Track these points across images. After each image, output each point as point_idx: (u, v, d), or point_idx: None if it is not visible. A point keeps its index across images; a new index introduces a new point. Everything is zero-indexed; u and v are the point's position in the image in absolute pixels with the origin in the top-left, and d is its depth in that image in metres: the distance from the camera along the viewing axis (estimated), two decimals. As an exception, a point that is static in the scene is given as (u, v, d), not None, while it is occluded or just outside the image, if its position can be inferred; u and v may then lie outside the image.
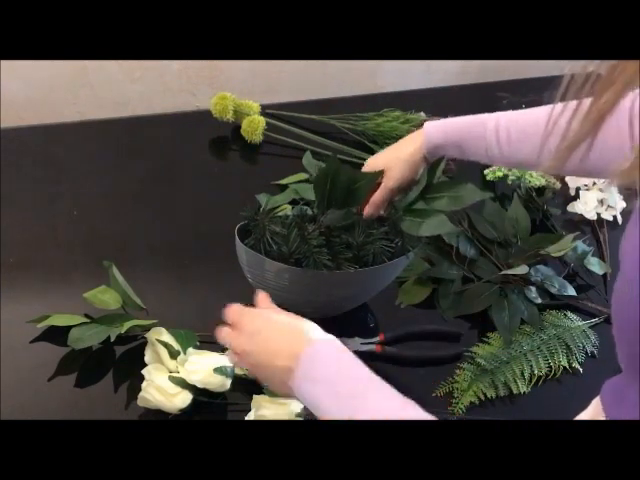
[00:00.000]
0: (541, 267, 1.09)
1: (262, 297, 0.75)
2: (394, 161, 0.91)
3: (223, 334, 0.70)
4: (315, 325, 0.68)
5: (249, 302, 1.01)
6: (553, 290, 1.07)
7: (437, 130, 0.88)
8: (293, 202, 1.10)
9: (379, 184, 0.91)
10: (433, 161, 0.91)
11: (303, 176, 1.20)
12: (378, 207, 0.92)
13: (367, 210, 0.92)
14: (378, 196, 0.91)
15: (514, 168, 1.17)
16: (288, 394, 0.66)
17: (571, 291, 1.07)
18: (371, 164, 0.95)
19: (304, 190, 1.14)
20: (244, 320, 0.69)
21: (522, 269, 1.04)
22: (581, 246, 1.13)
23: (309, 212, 0.93)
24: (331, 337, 0.67)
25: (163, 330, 0.88)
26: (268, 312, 0.71)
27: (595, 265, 1.12)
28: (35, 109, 1.35)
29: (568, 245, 1.09)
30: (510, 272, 1.04)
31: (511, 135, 0.83)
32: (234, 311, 0.71)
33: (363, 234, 0.88)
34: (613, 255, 1.17)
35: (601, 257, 1.16)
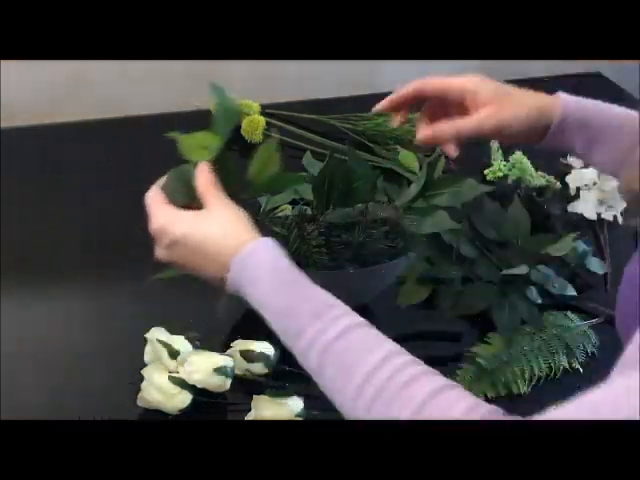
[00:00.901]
0: (541, 267, 1.09)
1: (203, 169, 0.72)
2: (520, 106, 0.73)
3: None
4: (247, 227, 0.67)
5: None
6: (553, 290, 1.06)
7: (575, 101, 0.75)
8: (293, 202, 1.10)
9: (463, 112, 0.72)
10: (431, 159, 0.91)
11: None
12: (457, 136, 0.73)
13: (443, 130, 0.74)
14: (469, 125, 0.72)
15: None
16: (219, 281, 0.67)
17: (571, 291, 1.07)
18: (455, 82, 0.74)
19: (304, 190, 1.14)
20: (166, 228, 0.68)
21: (522, 269, 1.04)
22: (581, 246, 1.13)
23: (309, 212, 0.93)
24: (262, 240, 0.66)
25: (163, 330, 0.88)
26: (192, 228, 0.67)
27: (595, 265, 1.12)
28: (35, 109, 1.34)
29: (568, 245, 1.09)
30: (510, 272, 1.04)
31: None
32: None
33: (363, 234, 0.88)
34: (613, 255, 1.17)
35: (601, 257, 1.16)
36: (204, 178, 0.72)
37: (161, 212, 0.70)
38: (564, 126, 0.74)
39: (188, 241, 0.67)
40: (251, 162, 0.76)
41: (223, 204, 0.69)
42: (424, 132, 0.77)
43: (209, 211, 0.69)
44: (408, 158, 1.25)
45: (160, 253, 0.70)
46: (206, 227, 0.67)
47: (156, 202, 0.72)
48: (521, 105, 0.73)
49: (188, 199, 0.72)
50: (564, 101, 0.75)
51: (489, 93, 0.72)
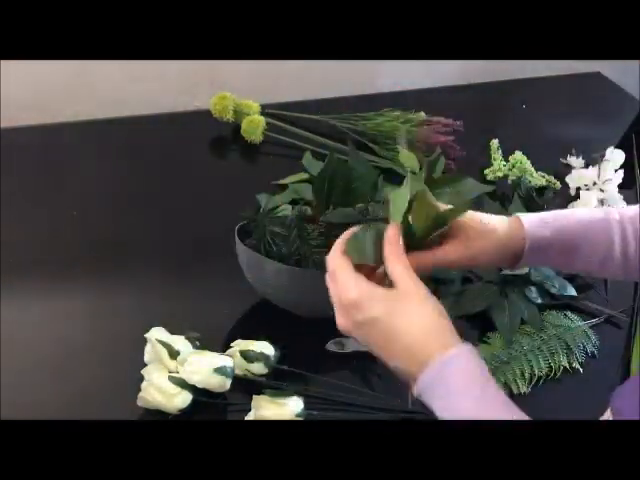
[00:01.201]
0: (541, 267, 1.09)
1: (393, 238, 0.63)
2: (479, 232, 0.71)
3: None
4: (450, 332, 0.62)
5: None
6: (553, 290, 1.06)
7: (541, 226, 0.72)
8: (293, 202, 1.10)
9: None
10: (430, 158, 0.90)
11: (303, 176, 1.20)
12: (418, 270, 0.67)
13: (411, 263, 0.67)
14: (430, 260, 0.69)
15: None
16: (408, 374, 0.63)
17: (571, 291, 1.07)
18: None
19: (304, 190, 1.14)
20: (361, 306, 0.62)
21: (522, 269, 1.04)
22: (581, 246, 1.13)
23: (309, 212, 0.93)
24: (466, 348, 0.61)
25: (163, 330, 0.88)
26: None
27: None
28: (35, 109, 1.34)
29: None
30: (510, 272, 1.04)
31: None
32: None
33: (363, 234, 0.88)
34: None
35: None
36: (395, 247, 0.65)
37: (352, 283, 0.64)
38: (534, 251, 0.72)
39: (384, 326, 0.63)
40: (411, 216, 0.70)
41: (418, 288, 0.63)
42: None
43: (407, 295, 0.63)
44: (408, 158, 1.25)
45: (346, 325, 0.65)
46: (407, 317, 0.62)
47: (345, 269, 0.65)
48: (489, 240, 0.71)
49: (374, 262, 0.66)
50: (528, 228, 0.72)
51: (459, 225, 0.71)
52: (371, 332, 0.64)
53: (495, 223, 0.72)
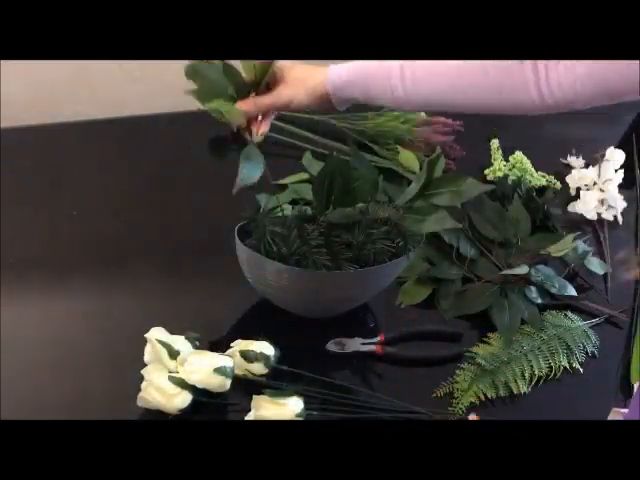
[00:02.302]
0: (541, 267, 1.09)
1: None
2: (301, 82, 0.85)
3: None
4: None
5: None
6: (553, 290, 1.07)
7: (342, 71, 0.84)
8: (293, 202, 1.10)
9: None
10: (430, 158, 0.90)
11: (303, 176, 1.20)
12: (259, 109, 0.85)
13: (247, 104, 0.84)
14: (266, 100, 0.85)
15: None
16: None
17: (571, 291, 1.07)
18: (280, 69, 0.87)
19: (304, 190, 1.14)
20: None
21: (522, 269, 1.04)
22: (581, 246, 1.13)
23: (309, 212, 0.93)
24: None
25: (163, 330, 0.88)
26: None
27: (595, 265, 1.12)
28: (35, 109, 1.34)
29: (568, 245, 1.09)
30: (510, 272, 1.04)
31: (416, 73, 0.80)
32: None
33: (363, 233, 0.88)
34: (613, 255, 1.17)
35: (601, 257, 1.16)
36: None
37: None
38: (341, 89, 0.85)
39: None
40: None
41: None
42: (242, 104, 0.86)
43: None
44: (408, 158, 1.25)
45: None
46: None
47: None
48: (302, 86, 0.85)
49: None
50: (330, 67, 0.86)
51: (282, 76, 0.85)
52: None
53: (309, 74, 0.86)
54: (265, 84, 0.85)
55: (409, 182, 0.94)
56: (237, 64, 0.84)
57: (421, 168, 0.89)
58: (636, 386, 0.96)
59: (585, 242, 1.15)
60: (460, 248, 1.10)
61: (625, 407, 0.88)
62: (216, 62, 0.81)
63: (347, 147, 1.28)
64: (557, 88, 0.73)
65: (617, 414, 0.86)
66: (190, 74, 0.81)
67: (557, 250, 1.08)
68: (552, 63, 0.72)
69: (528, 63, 0.74)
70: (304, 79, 0.85)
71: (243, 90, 0.84)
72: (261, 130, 0.87)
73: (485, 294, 1.04)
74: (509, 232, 1.13)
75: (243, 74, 0.84)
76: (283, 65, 0.85)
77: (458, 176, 0.90)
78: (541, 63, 0.73)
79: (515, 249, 1.11)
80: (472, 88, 0.78)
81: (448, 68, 0.79)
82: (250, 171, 0.84)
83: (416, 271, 1.07)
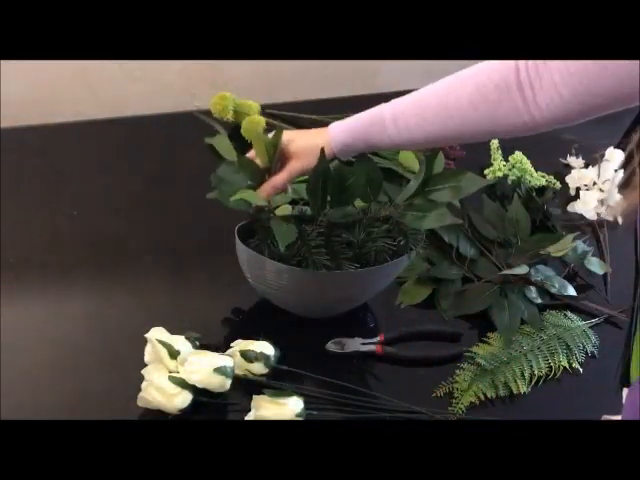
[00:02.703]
0: (541, 267, 1.09)
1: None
2: (306, 150, 0.90)
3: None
4: None
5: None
6: (553, 290, 1.07)
7: (342, 130, 0.90)
8: (293, 202, 1.10)
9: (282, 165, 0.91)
10: (429, 155, 0.91)
11: (303, 176, 1.20)
12: (277, 189, 0.90)
13: (265, 190, 0.90)
14: (280, 179, 0.90)
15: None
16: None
17: (571, 291, 1.07)
18: (285, 144, 0.92)
19: (304, 190, 1.14)
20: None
21: (522, 269, 1.04)
22: (581, 246, 1.13)
23: (309, 212, 0.93)
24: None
25: (163, 330, 0.88)
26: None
27: (595, 265, 1.12)
28: (35, 109, 1.34)
29: (568, 245, 1.09)
30: (510, 272, 1.04)
31: (409, 123, 0.84)
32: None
33: (364, 232, 0.88)
34: (613, 255, 1.17)
35: (601, 257, 1.16)
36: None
37: None
38: (345, 148, 0.90)
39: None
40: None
41: None
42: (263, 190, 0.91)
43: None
44: (408, 158, 1.25)
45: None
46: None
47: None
48: (313, 155, 0.88)
49: None
50: (331, 132, 0.91)
51: (291, 150, 0.90)
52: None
53: (311, 142, 0.91)
54: (277, 162, 0.90)
55: (409, 182, 0.94)
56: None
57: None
58: (625, 391, 0.96)
59: (585, 242, 1.15)
60: (460, 248, 1.10)
61: (617, 413, 0.88)
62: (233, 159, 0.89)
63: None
64: (546, 109, 0.74)
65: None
66: (216, 183, 0.88)
67: (557, 250, 1.08)
68: (537, 84, 0.73)
69: (515, 88, 0.75)
70: (309, 148, 0.89)
71: (259, 177, 0.90)
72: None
73: (485, 294, 1.04)
74: (509, 232, 1.13)
75: (258, 161, 0.90)
76: (284, 141, 0.90)
77: (457, 172, 0.90)
78: (527, 86, 0.74)
79: (515, 249, 1.11)
80: (464, 124, 0.81)
81: (437, 109, 0.82)
82: (237, 185, 0.88)
83: (416, 271, 1.07)
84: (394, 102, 0.88)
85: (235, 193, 0.86)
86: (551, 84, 0.72)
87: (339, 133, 0.90)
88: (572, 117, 0.75)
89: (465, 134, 0.82)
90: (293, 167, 0.90)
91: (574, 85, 0.71)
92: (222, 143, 0.88)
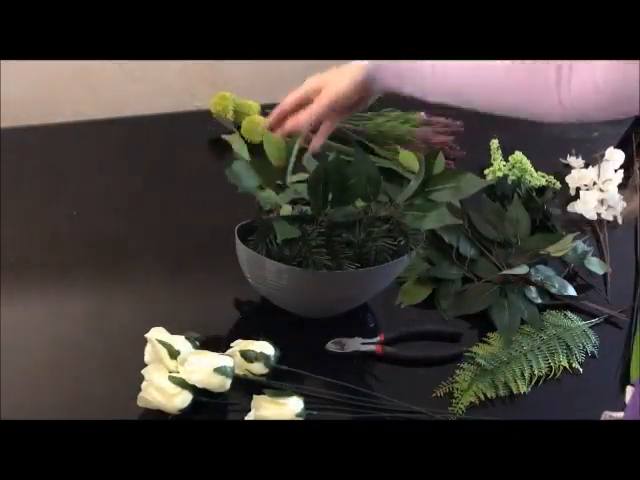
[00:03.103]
0: (541, 267, 1.09)
1: None
2: (334, 76, 0.87)
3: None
4: None
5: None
6: (553, 290, 1.07)
7: (375, 63, 0.87)
8: (292, 202, 1.10)
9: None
10: (428, 153, 0.91)
11: (303, 176, 1.20)
12: (306, 123, 0.87)
13: (300, 119, 0.87)
14: (313, 110, 0.86)
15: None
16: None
17: (571, 291, 1.07)
18: (308, 82, 0.90)
19: (303, 190, 1.14)
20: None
21: (522, 269, 1.04)
22: (581, 246, 1.13)
23: (310, 212, 0.93)
24: None
25: (163, 330, 0.88)
26: None
27: (595, 265, 1.12)
28: (35, 109, 1.34)
29: (568, 245, 1.09)
30: (510, 272, 1.04)
31: (446, 64, 0.82)
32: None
33: (364, 232, 0.88)
34: (613, 255, 1.17)
35: (601, 257, 1.16)
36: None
37: None
38: (376, 74, 0.86)
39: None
40: None
41: None
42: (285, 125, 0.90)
43: None
44: (408, 158, 1.25)
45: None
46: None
47: None
48: (337, 76, 0.87)
49: None
50: (365, 63, 0.87)
51: (327, 79, 0.88)
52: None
53: (344, 67, 0.88)
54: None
55: (409, 182, 0.94)
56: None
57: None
58: (629, 389, 0.96)
59: (585, 242, 1.15)
60: (460, 248, 1.10)
61: (620, 410, 0.88)
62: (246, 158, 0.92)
63: (346, 147, 1.28)
64: (578, 94, 0.72)
65: (609, 417, 0.86)
66: (231, 177, 0.88)
67: (557, 250, 1.08)
68: (576, 66, 0.72)
69: (552, 63, 0.73)
70: (341, 71, 0.87)
71: (272, 177, 0.92)
72: (318, 142, 0.91)
73: (485, 294, 1.04)
74: (509, 232, 1.13)
75: (271, 160, 0.91)
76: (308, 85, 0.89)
77: (458, 172, 0.90)
78: (566, 64, 0.72)
79: (515, 249, 1.11)
80: (496, 84, 0.79)
81: (476, 64, 0.80)
82: (247, 182, 0.88)
83: (416, 271, 1.07)
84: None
85: (248, 188, 0.87)
86: (591, 69, 0.70)
87: (371, 63, 0.86)
88: (599, 112, 0.74)
89: (493, 95, 0.80)
90: (327, 91, 0.86)
91: (614, 79, 0.69)
92: (238, 141, 0.90)
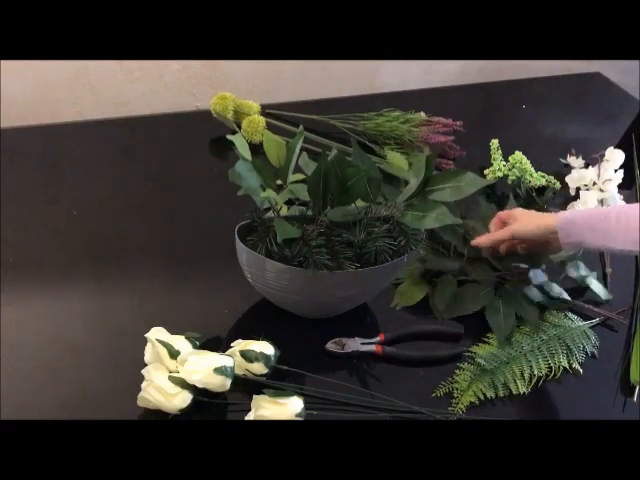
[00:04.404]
0: (538, 272, 1.08)
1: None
2: (525, 218, 1.02)
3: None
4: None
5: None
6: (552, 294, 1.06)
7: (567, 213, 0.99)
8: (289, 202, 1.10)
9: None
10: (429, 154, 0.91)
11: (300, 176, 1.20)
12: (493, 243, 1.04)
13: (482, 241, 1.04)
14: (499, 234, 1.03)
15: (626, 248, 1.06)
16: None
17: (566, 296, 1.07)
18: (507, 212, 1.07)
19: (300, 190, 1.14)
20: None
21: (519, 270, 1.04)
22: (582, 267, 1.12)
23: (309, 212, 0.93)
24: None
25: (163, 330, 0.88)
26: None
27: (596, 288, 1.11)
28: (35, 109, 1.34)
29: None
30: (505, 273, 1.04)
31: (629, 215, 0.91)
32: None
33: (364, 232, 0.88)
34: (613, 255, 1.17)
35: (601, 257, 1.16)
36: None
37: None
38: (563, 233, 0.97)
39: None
40: None
41: None
42: (480, 239, 1.06)
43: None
44: (396, 159, 1.25)
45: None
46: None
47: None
48: (531, 222, 1.01)
49: None
50: (558, 214, 0.99)
51: (517, 215, 1.04)
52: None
53: (538, 215, 1.03)
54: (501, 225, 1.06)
55: (406, 183, 0.94)
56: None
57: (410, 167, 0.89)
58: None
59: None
60: (456, 248, 1.10)
61: (618, 414, 0.88)
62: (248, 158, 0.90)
63: (345, 147, 1.28)
64: None
65: None
66: (234, 177, 0.89)
67: (558, 255, 1.09)
68: None
69: None
70: (528, 217, 1.03)
71: (271, 177, 0.92)
72: (482, 241, 1.05)
73: (480, 295, 1.04)
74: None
75: (270, 161, 0.93)
76: (511, 212, 1.05)
77: (458, 171, 0.90)
78: None
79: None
80: None
81: None
82: (250, 182, 0.88)
83: (412, 272, 1.07)
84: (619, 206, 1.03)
85: (250, 188, 0.88)
86: None
87: (564, 212, 0.99)
88: None
89: None
90: (512, 227, 1.02)
91: None
92: (240, 141, 0.90)
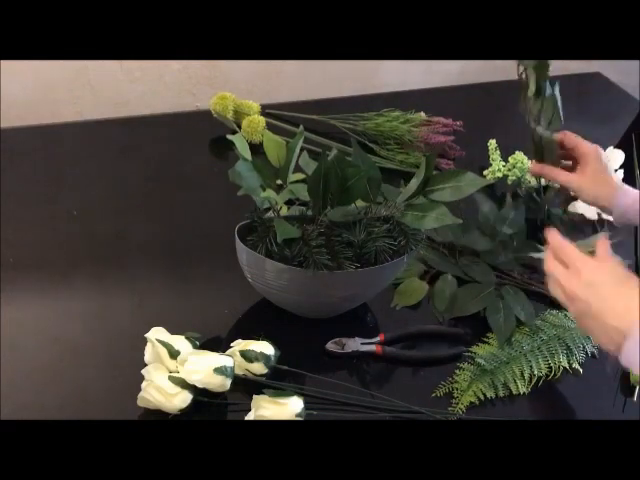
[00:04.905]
0: (536, 276, 1.08)
1: (603, 243, 0.77)
2: (590, 178, 1.00)
3: (555, 268, 0.75)
4: None
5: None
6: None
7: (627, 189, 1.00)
8: (289, 202, 1.10)
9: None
10: (429, 154, 0.91)
11: (300, 176, 1.20)
12: (549, 178, 1.05)
13: (538, 171, 1.04)
14: (559, 177, 1.02)
15: None
16: (612, 350, 0.69)
17: None
18: (581, 147, 1.02)
19: (300, 190, 1.14)
20: (585, 268, 0.73)
21: (519, 270, 1.04)
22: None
23: (309, 212, 0.93)
24: None
25: (163, 330, 0.88)
26: (610, 266, 0.75)
27: None
28: (35, 109, 1.34)
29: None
30: (506, 273, 1.04)
31: None
32: (571, 251, 0.75)
33: (364, 232, 0.88)
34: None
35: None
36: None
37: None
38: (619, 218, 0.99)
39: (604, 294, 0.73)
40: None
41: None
42: (536, 167, 1.06)
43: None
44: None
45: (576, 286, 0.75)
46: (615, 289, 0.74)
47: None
48: (593, 188, 1.00)
49: None
50: (620, 190, 0.99)
51: (587, 162, 1.00)
52: (590, 297, 0.73)
53: (607, 179, 1.01)
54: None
55: (406, 183, 0.94)
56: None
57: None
58: None
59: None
60: (456, 248, 1.10)
61: (618, 414, 0.88)
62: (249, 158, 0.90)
63: (345, 147, 1.28)
64: None
65: None
66: (234, 177, 0.88)
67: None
68: None
69: None
70: (598, 181, 1.00)
71: (271, 177, 0.92)
72: (536, 169, 1.06)
73: (480, 295, 1.04)
74: (504, 233, 1.13)
75: (270, 161, 0.92)
76: (589, 155, 1.01)
77: (458, 171, 0.90)
78: None
79: (512, 250, 1.11)
80: None
81: None
82: (250, 182, 0.88)
83: (411, 272, 1.07)
84: None
85: (250, 188, 0.88)
86: None
87: (627, 194, 0.98)
88: None
89: None
90: (573, 181, 1.01)
91: None
92: (240, 141, 0.90)
